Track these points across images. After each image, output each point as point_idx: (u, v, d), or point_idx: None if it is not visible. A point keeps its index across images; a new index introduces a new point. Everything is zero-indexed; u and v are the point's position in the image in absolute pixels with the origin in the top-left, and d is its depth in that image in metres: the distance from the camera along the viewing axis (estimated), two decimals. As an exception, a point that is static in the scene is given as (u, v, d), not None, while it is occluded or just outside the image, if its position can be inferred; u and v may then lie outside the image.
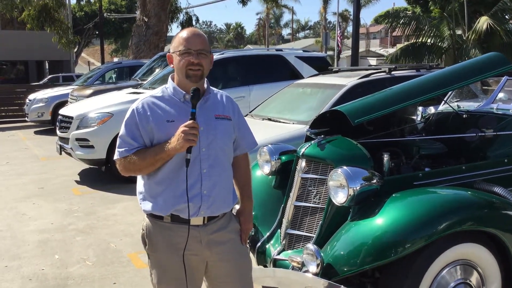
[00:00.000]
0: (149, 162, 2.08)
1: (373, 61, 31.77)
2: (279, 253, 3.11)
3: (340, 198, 2.81)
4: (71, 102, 10.15)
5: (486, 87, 5.13)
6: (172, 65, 2.19)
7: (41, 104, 12.66)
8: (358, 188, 2.76)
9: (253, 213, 3.54)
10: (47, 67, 31.79)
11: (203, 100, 2.17)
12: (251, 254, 3.29)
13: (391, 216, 2.62)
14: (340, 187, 2.81)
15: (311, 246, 2.72)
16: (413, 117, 4.30)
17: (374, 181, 2.84)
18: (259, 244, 3.26)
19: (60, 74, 22.56)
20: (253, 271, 3.05)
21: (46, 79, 22.97)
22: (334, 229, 2.87)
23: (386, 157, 3.13)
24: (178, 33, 2.20)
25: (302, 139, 5.16)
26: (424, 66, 6.40)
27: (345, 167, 2.83)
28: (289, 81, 7.01)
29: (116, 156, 2.15)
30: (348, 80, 5.78)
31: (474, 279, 2.73)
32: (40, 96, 12.88)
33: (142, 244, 2.27)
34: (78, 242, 4.78)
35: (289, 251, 3.09)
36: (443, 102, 4.29)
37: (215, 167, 2.14)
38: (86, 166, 7.68)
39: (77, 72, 26.77)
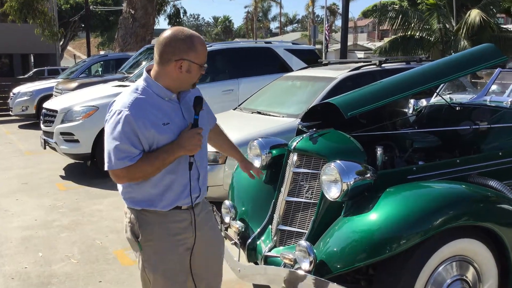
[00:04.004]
0: (157, 166, 2.07)
1: (360, 55, 31.76)
2: (270, 250, 3.03)
3: (333, 193, 2.72)
4: (56, 96, 9.94)
5: (475, 80, 5.08)
6: (179, 71, 2.08)
7: (25, 98, 12.42)
8: (351, 182, 2.68)
9: (243, 208, 3.49)
10: (32, 60, 31.31)
11: (182, 98, 2.19)
12: (241, 251, 3.24)
13: (386, 211, 2.54)
14: (333, 182, 2.73)
15: (303, 242, 2.63)
16: (404, 110, 4.24)
17: (368, 175, 2.76)
18: (249, 240, 3.17)
19: (45, 68, 22.21)
20: (243, 268, 2.98)
21: (31, 72, 22.63)
22: (327, 225, 2.79)
23: (379, 151, 3.05)
24: (198, 42, 2.09)
25: (292, 132, 5.07)
26: (414, 58, 6.33)
27: (338, 161, 2.75)
28: (279, 74, 6.93)
29: (113, 167, 2.04)
30: (338, 73, 5.70)
31: (470, 274, 2.66)
32: (25, 89, 12.63)
33: (129, 240, 2.21)
34: (63, 239, 4.66)
35: (281, 248, 3.00)
36: (435, 94, 4.23)
37: (203, 158, 2.27)
38: (71, 160, 7.53)
39: (63, 65, 26.41)
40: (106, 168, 2.07)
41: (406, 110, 4.21)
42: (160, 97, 2.10)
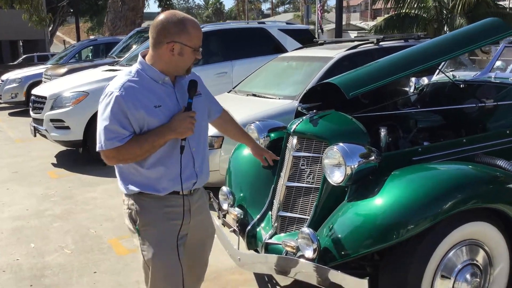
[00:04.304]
0: (146, 149, 2.05)
1: (353, 35, 31.44)
2: (271, 237, 2.91)
3: (336, 177, 2.59)
4: (45, 82, 9.71)
5: (473, 57, 4.94)
6: (171, 54, 2.06)
7: (14, 85, 12.15)
8: (355, 166, 2.55)
9: (241, 194, 3.36)
10: (21, 46, 30.81)
11: (177, 82, 2.17)
12: (240, 239, 3.12)
13: (392, 195, 2.42)
14: (336, 166, 2.60)
15: (306, 229, 2.51)
16: (406, 89, 4.10)
17: (372, 158, 2.63)
18: (249, 227, 3.05)
19: (35, 54, 21.80)
20: (244, 257, 2.86)
21: (20, 59, 22.22)
22: (330, 211, 2.68)
23: (383, 132, 2.92)
24: (191, 25, 2.08)
25: (289, 114, 4.96)
26: (412, 36, 6.18)
27: (341, 144, 2.61)
28: (273, 55, 6.78)
29: (103, 147, 2.05)
30: (335, 52, 5.55)
31: (481, 258, 2.55)
32: (13, 76, 12.36)
33: (124, 228, 2.19)
34: (55, 229, 4.52)
35: (282, 235, 2.89)
36: (437, 71, 4.09)
37: (200, 144, 2.22)
38: (63, 148, 7.36)
39: (53, 51, 25.95)
40: (97, 149, 2.08)
41: (407, 89, 4.07)
42: (154, 81, 2.09)
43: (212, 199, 3.43)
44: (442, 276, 2.41)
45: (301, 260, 2.48)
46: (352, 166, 2.54)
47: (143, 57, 2.13)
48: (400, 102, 3.80)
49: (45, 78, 10.30)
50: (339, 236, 2.45)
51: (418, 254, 2.33)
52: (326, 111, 3.03)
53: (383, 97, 3.61)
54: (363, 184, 2.60)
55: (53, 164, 7.02)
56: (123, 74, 2.11)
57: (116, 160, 2.09)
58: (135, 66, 2.13)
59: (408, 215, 2.33)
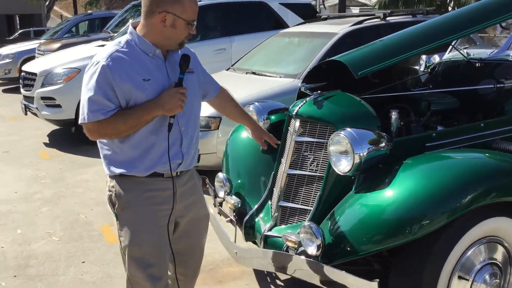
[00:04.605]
0: (131, 125, 1.95)
1: (356, 10, 30.86)
2: (270, 229, 2.68)
3: (343, 166, 2.35)
4: (38, 57, 9.40)
5: (482, 35, 4.64)
6: (163, 25, 1.95)
7: (7, 60, 11.83)
8: (365, 154, 2.30)
9: (239, 181, 3.12)
10: (18, 21, 30.30)
11: (169, 56, 2.06)
12: (238, 229, 2.90)
13: (405, 187, 2.18)
14: (343, 154, 2.35)
15: (309, 223, 2.28)
16: (415, 67, 3.83)
17: (383, 144, 2.38)
18: (246, 217, 2.82)
19: (31, 29, 21.39)
20: (241, 251, 2.64)
21: (17, 33, 21.83)
22: (335, 202, 2.45)
23: (394, 115, 2.67)
24: None
25: (291, 94, 4.69)
26: (420, 11, 5.87)
27: (348, 129, 2.36)
28: (274, 31, 6.48)
29: (85, 120, 1.94)
30: (339, 28, 5.25)
31: (500, 255, 2.33)
32: (6, 51, 12.03)
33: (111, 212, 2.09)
34: (44, 214, 4.30)
35: (282, 226, 2.66)
36: (449, 48, 3.81)
37: (190, 124, 2.11)
38: (56, 126, 7.10)
39: (49, 26, 25.49)
40: (79, 121, 1.97)
41: (417, 67, 3.80)
42: (144, 53, 1.99)
43: (208, 185, 3.21)
44: (460, 277, 2.19)
45: (303, 257, 2.26)
46: (361, 154, 2.29)
47: (134, 28, 2.02)
48: (410, 82, 3.53)
49: (38, 53, 9.99)
50: (346, 231, 2.22)
51: (433, 253, 2.11)
52: (332, 91, 2.76)
53: (391, 77, 3.35)
54: (372, 173, 2.36)
55: (45, 144, 6.78)
56: (112, 44, 2.00)
57: (99, 134, 1.98)
58: (125, 37, 2.01)
59: (423, 210, 2.09)
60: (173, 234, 2.17)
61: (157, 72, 2.00)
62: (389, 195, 2.19)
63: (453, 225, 2.11)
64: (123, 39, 2.01)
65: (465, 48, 3.82)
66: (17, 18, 30.26)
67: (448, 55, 3.82)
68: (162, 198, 2.07)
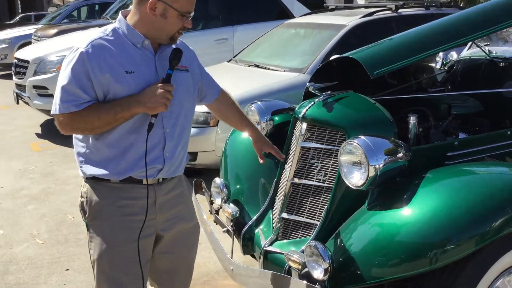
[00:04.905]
0: (106, 121, 1.76)
1: (361, 1, 30.39)
2: (271, 243, 2.41)
3: (356, 179, 2.07)
4: (34, 43, 9.10)
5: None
6: (153, 14, 1.77)
7: (3, 46, 11.52)
8: (381, 166, 2.02)
9: (237, 187, 2.85)
10: (19, 5, 29.90)
11: (160, 50, 1.86)
12: (235, 240, 2.64)
13: (427, 206, 1.91)
14: (356, 165, 2.07)
15: (316, 243, 2.00)
16: (431, 64, 3.53)
17: (401, 154, 2.09)
18: (245, 228, 2.55)
19: (32, 13, 21.05)
20: (238, 268, 2.37)
21: (17, 18, 21.49)
22: (344, 216, 2.18)
23: (412, 120, 2.39)
24: None
25: (295, 90, 4.41)
26: (434, 3, 5.55)
27: (362, 137, 2.08)
28: (279, 21, 6.16)
29: (56, 111, 1.77)
30: (348, 20, 4.95)
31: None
32: (3, 36, 11.71)
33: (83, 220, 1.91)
34: (29, 213, 4.04)
35: (285, 241, 2.39)
36: (468, 45, 3.51)
37: (177, 127, 1.90)
38: (50, 116, 6.82)
39: (51, 10, 25.13)
40: (51, 112, 1.81)
41: (433, 64, 3.50)
42: (131, 43, 1.81)
43: (204, 190, 2.94)
44: (487, 311, 1.92)
45: (305, 282, 1.98)
46: (376, 166, 2.01)
47: (125, 16, 1.85)
48: (426, 82, 3.24)
49: (34, 39, 9.70)
50: (357, 253, 1.95)
51: (458, 285, 1.83)
52: (343, 92, 2.48)
53: (405, 76, 3.06)
54: (388, 187, 2.09)
55: (37, 135, 6.50)
56: (98, 31, 1.83)
57: (71, 128, 1.80)
58: (113, 25, 1.86)
59: (447, 235, 1.81)
60: (154, 249, 1.97)
61: (143, 65, 1.81)
62: (408, 214, 1.92)
63: (482, 252, 1.83)
64: (110, 27, 1.84)
65: (486, 45, 3.52)
66: (19, 2, 29.87)
67: (467, 52, 3.52)
68: (138, 208, 1.86)
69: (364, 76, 2.41)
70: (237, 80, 4.73)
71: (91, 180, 1.87)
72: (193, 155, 4.26)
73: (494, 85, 2.91)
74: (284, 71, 4.68)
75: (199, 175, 4.63)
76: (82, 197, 1.90)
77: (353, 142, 2.07)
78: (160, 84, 1.77)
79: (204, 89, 2.12)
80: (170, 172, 1.92)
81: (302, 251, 2.18)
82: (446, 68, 3.43)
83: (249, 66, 5.10)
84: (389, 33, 2.99)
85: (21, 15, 22.58)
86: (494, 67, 3.07)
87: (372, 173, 2.01)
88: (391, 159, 2.06)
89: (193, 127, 4.32)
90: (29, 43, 10.16)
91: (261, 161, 2.43)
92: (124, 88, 1.76)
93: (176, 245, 2.03)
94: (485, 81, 3.04)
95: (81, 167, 1.87)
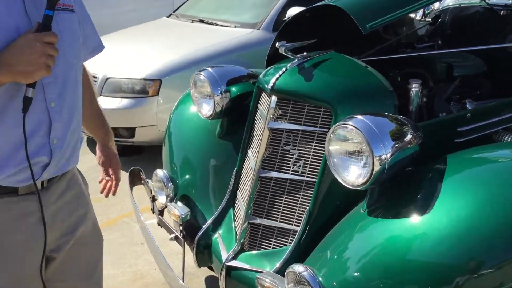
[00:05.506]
0: None
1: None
2: (235, 255, 1.84)
3: (354, 176, 1.51)
4: None
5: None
6: None
7: None
8: (388, 156, 1.45)
9: (187, 177, 2.23)
10: None
11: None
12: (187, 248, 2.06)
13: (455, 212, 1.39)
14: (353, 156, 1.50)
15: (300, 268, 1.45)
16: (411, 15, 2.97)
17: (409, 137, 1.53)
18: (200, 233, 2.00)
19: None
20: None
21: None
22: (333, 220, 1.65)
23: (415, 88, 1.84)
24: None
25: (249, 49, 3.82)
26: None
27: (360, 117, 1.50)
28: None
29: None
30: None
31: None
32: None
33: None
34: None
35: (253, 252, 1.84)
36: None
37: (66, 96, 1.35)
38: None
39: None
40: None
41: (413, 15, 2.95)
42: None
43: (143, 182, 2.32)
44: None
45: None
46: (383, 157, 1.45)
47: None
48: (410, 37, 2.69)
49: None
50: (358, 280, 1.41)
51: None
52: (323, 52, 1.88)
53: (385, 31, 2.49)
54: (393, 183, 1.54)
55: None
56: None
57: None
58: None
59: (484, 255, 1.31)
60: (45, 273, 1.41)
61: (2, 4, 1.21)
62: (425, 223, 1.40)
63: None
64: None
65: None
66: None
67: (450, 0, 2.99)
68: (12, 228, 1.32)
69: (345, 33, 1.83)
70: (178, 39, 4.11)
71: None
72: (131, 131, 3.62)
73: (496, 38, 2.39)
74: (235, 26, 4.16)
75: (139, 155, 4.02)
76: None
77: (348, 124, 1.48)
78: (35, 33, 1.19)
79: (86, 41, 1.51)
80: (60, 166, 1.38)
81: (278, 271, 1.63)
82: (429, 19, 2.89)
83: (192, 22, 4.52)
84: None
85: None
86: (492, 17, 2.55)
87: (377, 166, 1.44)
88: (399, 145, 1.49)
89: (128, 97, 3.67)
90: None
91: (101, 192, 1.74)
92: None
93: (72, 269, 1.49)
94: (484, 34, 2.51)
95: None
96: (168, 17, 4.88)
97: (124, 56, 3.95)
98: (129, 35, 4.49)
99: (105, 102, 3.66)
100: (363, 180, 1.46)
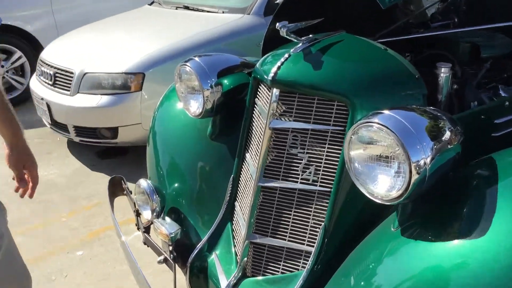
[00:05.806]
0: None
1: None
2: (237, 282, 1.53)
3: (384, 188, 1.20)
4: None
5: None
6: None
7: None
8: (428, 160, 1.14)
9: (176, 186, 1.92)
10: None
11: None
12: (179, 270, 1.76)
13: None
14: (383, 163, 1.19)
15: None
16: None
17: (448, 135, 1.23)
18: (193, 254, 1.69)
19: None
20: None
21: None
22: (352, 237, 1.37)
23: (444, 73, 1.54)
24: None
25: (238, 36, 3.51)
26: None
27: (387, 112, 1.19)
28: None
29: None
30: None
31: None
32: None
33: None
34: None
35: (259, 278, 1.53)
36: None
37: None
38: None
39: None
40: None
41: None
42: None
43: (126, 192, 2.01)
44: None
45: None
46: (421, 162, 1.14)
47: None
48: (422, 16, 2.38)
49: None
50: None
51: None
52: (333, 34, 1.56)
53: (390, 11, 2.18)
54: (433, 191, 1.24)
55: None
56: None
57: None
58: None
59: None
60: None
61: None
62: (482, 246, 1.09)
63: None
64: None
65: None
66: None
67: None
68: None
69: (349, 14, 1.52)
70: (161, 28, 3.79)
71: None
72: (113, 131, 3.29)
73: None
74: (223, 12, 3.84)
75: (123, 156, 3.70)
76: None
77: (373, 122, 1.17)
78: None
79: None
80: None
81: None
82: (440, -5, 2.58)
83: (176, 9, 4.22)
84: None
85: None
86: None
87: (415, 175, 1.13)
88: (439, 146, 1.18)
89: (109, 94, 3.34)
90: None
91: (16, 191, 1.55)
92: None
93: None
94: (505, 9, 2.21)
95: None
96: (150, 4, 4.54)
97: (102, 49, 3.62)
98: (108, 25, 4.15)
99: (84, 100, 3.35)
100: (397, 193, 1.15)
